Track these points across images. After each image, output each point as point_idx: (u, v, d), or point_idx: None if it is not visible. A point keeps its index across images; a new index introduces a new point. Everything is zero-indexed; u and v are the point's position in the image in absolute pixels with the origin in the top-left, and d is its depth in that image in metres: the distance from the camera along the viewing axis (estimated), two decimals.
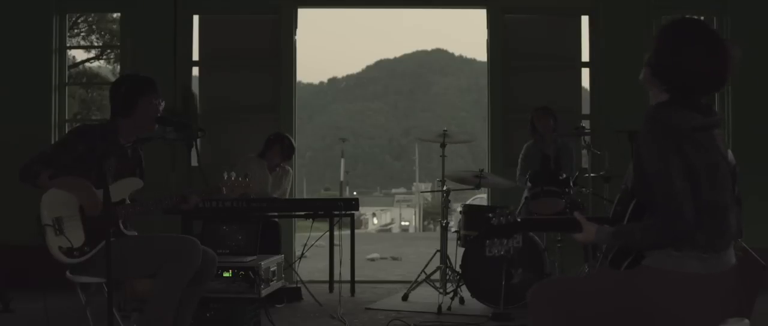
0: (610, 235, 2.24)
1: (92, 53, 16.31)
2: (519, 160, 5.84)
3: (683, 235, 2.10)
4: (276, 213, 5.64)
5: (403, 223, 54.21)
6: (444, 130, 5.68)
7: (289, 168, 6.06)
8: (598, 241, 2.32)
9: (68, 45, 7.26)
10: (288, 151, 5.92)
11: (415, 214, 53.32)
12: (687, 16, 2.32)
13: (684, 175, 2.09)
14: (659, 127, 2.14)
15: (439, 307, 4.98)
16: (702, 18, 2.27)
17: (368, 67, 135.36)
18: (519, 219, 2.45)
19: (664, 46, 2.23)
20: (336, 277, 5.60)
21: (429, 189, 37.29)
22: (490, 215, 2.51)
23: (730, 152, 2.28)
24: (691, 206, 2.08)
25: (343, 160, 48.43)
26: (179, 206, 3.53)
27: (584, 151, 5.59)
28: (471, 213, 5.39)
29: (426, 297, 5.43)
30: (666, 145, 2.11)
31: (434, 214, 40.52)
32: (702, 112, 2.19)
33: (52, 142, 6.44)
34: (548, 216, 2.66)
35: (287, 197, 6.05)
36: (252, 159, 5.77)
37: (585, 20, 6.90)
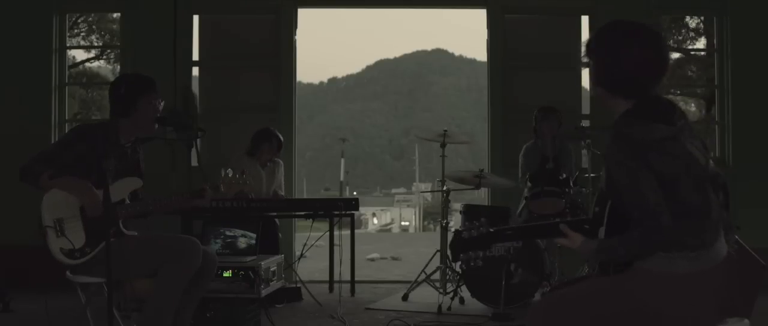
0: (593, 252, 2.25)
1: (92, 53, 16.28)
2: (520, 160, 5.84)
3: (665, 245, 2.12)
4: (275, 213, 5.64)
5: (403, 223, 54.26)
6: (444, 130, 5.67)
7: (279, 160, 6.06)
8: (581, 253, 2.33)
9: (68, 45, 7.26)
10: (277, 147, 5.90)
11: (415, 214, 53.36)
12: (609, 22, 2.35)
13: (656, 187, 2.10)
14: (625, 145, 2.16)
15: (439, 307, 4.98)
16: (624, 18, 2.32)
17: (368, 67, 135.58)
18: (491, 230, 2.44)
19: (606, 59, 2.27)
20: (336, 277, 5.60)
21: (429, 189, 37.31)
22: (461, 229, 2.50)
23: (711, 162, 2.29)
24: (668, 216, 2.08)
25: (343, 160, 48.48)
26: (191, 203, 3.53)
27: (584, 151, 5.59)
28: (471, 213, 5.39)
29: (426, 297, 5.42)
30: (634, 163, 2.13)
31: (434, 214, 40.54)
32: (666, 121, 2.20)
33: (52, 141, 6.44)
34: (526, 224, 2.67)
35: (283, 191, 6.05)
36: (243, 157, 5.75)
37: (585, 20, 6.90)
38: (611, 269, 2.26)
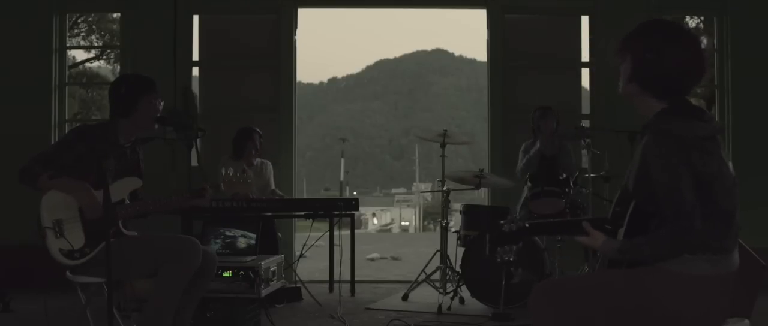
0: (615, 251, 2.22)
1: (92, 53, 16.29)
2: (520, 154, 5.85)
3: (695, 247, 2.11)
4: (271, 213, 5.61)
5: (403, 223, 54.28)
6: (444, 130, 5.67)
7: (267, 161, 6.02)
8: (603, 252, 2.30)
9: (68, 45, 7.26)
10: (259, 142, 5.84)
11: (415, 214, 53.40)
12: (650, 20, 2.31)
13: (693, 186, 2.09)
14: (668, 140, 2.13)
15: (439, 307, 4.98)
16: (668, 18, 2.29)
17: (368, 67, 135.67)
18: (526, 225, 2.44)
19: (643, 56, 2.23)
20: (336, 277, 5.60)
21: (429, 189, 37.33)
22: (502, 222, 2.49)
23: (730, 163, 2.28)
24: (700, 217, 2.07)
25: (343, 160, 48.52)
26: (191, 202, 3.53)
27: (584, 151, 5.60)
28: (471, 213, 5.39)
29: (426, 297, 5.42)
30: (676, 160, 2.10)
31: (434, 214, 40.56)
32: (703, 119, 2.19)
33: (52, 142, 6.44)
34: (555, 219, 2.66)
35: (273, 185, 6.01)
36: (229, 161, 5.69)
37: (585, 20, 6.90)
38: (624, 265, 2.23)
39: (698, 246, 2.10)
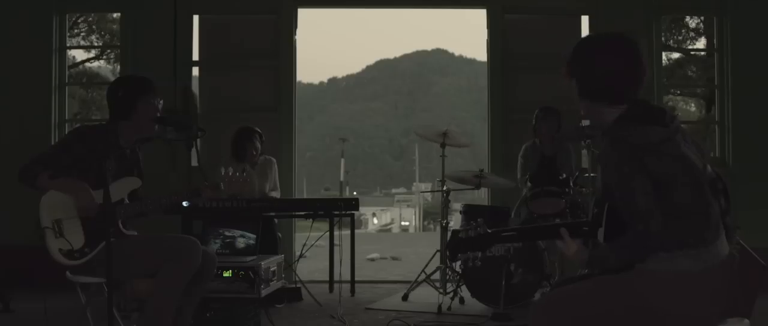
0: (584, 262, 2.28)
1: (92, 53, 16.29)
2: (519, 160, 5.85)
3: (656, 248, 2.14)
4: (273, 213, 5.61)
5: (403, 223, 54.27)
6: (444, 130, 5.67)
7: (272, 158, 5.94)
8: (577, 261, 2.34)
9: (68, 45, 7.26)
10: (260, 141, 5.74)
11: (415, 214, 53.38)
12: (581, 39, 2.43)
13: (649, 190, 2.12)
14: (622, 147, 2.18)
15: (439, 307, 4.98)
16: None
17: (368, 67, 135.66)
18: (489, 231, 2.45)
19: (580, 72, 2.32)
20: (336, 277, 5.60)
21: (429, 190, 37.31)
22: (458, 229, 2.51)
23: (709, 167, 2.30)
24: (659, 219, 2.10)
25: (343, 160, 48.44)
26: (190, 199, 3.53)
27: (584, 151, 5.60)
28: (471, 213, 5.39)
29: (426, 297, 5.42)
30: (629, 167, 2.15)
31: (434, 214, 40.53)
32: (661, 123, 2.22)
33: (52, 142, 6.44)
34: (524, 226, 2.67)
35: (278, 191, 5.95)
36: (231, 162, 5.64)
37: (585, 20, 6.89)
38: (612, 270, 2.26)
39: (660, 247, 2.13)
